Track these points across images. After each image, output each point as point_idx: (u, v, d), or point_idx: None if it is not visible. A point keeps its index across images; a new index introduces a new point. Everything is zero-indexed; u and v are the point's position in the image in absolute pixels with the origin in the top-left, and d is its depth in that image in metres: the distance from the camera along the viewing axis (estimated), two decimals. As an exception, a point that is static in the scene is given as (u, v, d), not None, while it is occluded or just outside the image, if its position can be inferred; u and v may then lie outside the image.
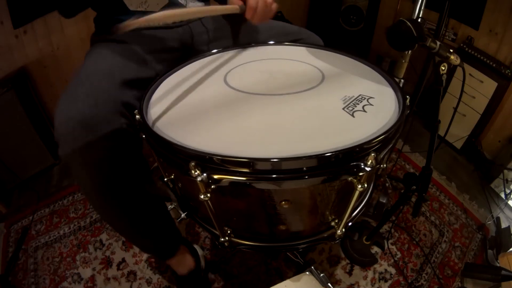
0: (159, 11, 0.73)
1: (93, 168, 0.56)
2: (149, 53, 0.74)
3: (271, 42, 0.84)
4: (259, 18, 0.71)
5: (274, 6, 0.74)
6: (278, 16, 1.97)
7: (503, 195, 1.29)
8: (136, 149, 0.62)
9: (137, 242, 0.82)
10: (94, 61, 0.64)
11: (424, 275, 1.03)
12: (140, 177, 0.66)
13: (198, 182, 0.42)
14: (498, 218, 1.18)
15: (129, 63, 0.66)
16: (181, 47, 0.80)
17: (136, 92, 0.63)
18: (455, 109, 0.89)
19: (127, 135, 0.57)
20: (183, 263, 0.93)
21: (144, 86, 0.65)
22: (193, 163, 0.42)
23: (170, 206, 0.71)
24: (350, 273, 1.04)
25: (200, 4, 0.83)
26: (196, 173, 0.42)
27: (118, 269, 1.08)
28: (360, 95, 0.56)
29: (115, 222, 0.71)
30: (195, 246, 1.01)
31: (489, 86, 1.32)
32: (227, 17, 0.88)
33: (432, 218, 1.22)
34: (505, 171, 1.28)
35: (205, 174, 0.42)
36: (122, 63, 0.65)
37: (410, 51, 0.96)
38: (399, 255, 1.09)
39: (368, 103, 0.54)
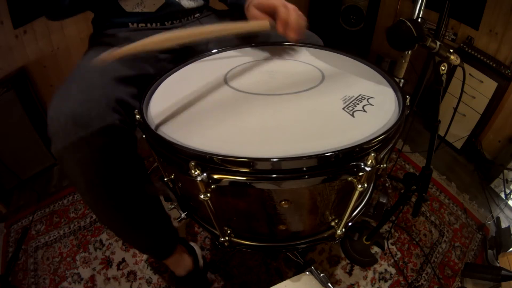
0: (156, 11, 0.73)
1: (86, 165, 0.55)
2: (146, 54, 0.74)
3: (271, 42, 0.84)
4: (294, 31, 0.62)
5: (304, 18, 0.66)
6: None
7: (503, 195, 1.29)
8: (129, 146, 0.61)
9: (132, 241, 0.81)
10: (89, 60, 0.63)
11: (424, 275, 1.03)
12: (134, 175, 0.65)
13: (198, 182, 0.42)
14: (498, 218, 1.18)
15: (124, 62, 0.65)
16: (178, 47, 0.80)
17: (131, 89, 0.62)
18: (455, 109, 0.89)
19: (120, 131, 0.56)
20: (181, 263, 0.92)
21: (140, 83, 0.64)
22: (193, 163, 0.42)
23: (170, 206, 0.71)
24: (350, 273, 1.04)
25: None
26: (196, 173, 0.42)
27: (118, 269, 1.08)
28: (360, 95, 0.56)
29: (109, 220, 0.70)
30: (193, 245, 1.00)
31: (489, 86, 1.32)
32: (227, 16, 0.88)
33: (432, 218, 1.22)
34: (505, 171, 1.28)
35: (205, 174, 0.42)
36: (116, 61, 0.63)
37: (410, 51, 0.97)
38: (399, 255, 1.09)
39: (368, 103, 0.54)
